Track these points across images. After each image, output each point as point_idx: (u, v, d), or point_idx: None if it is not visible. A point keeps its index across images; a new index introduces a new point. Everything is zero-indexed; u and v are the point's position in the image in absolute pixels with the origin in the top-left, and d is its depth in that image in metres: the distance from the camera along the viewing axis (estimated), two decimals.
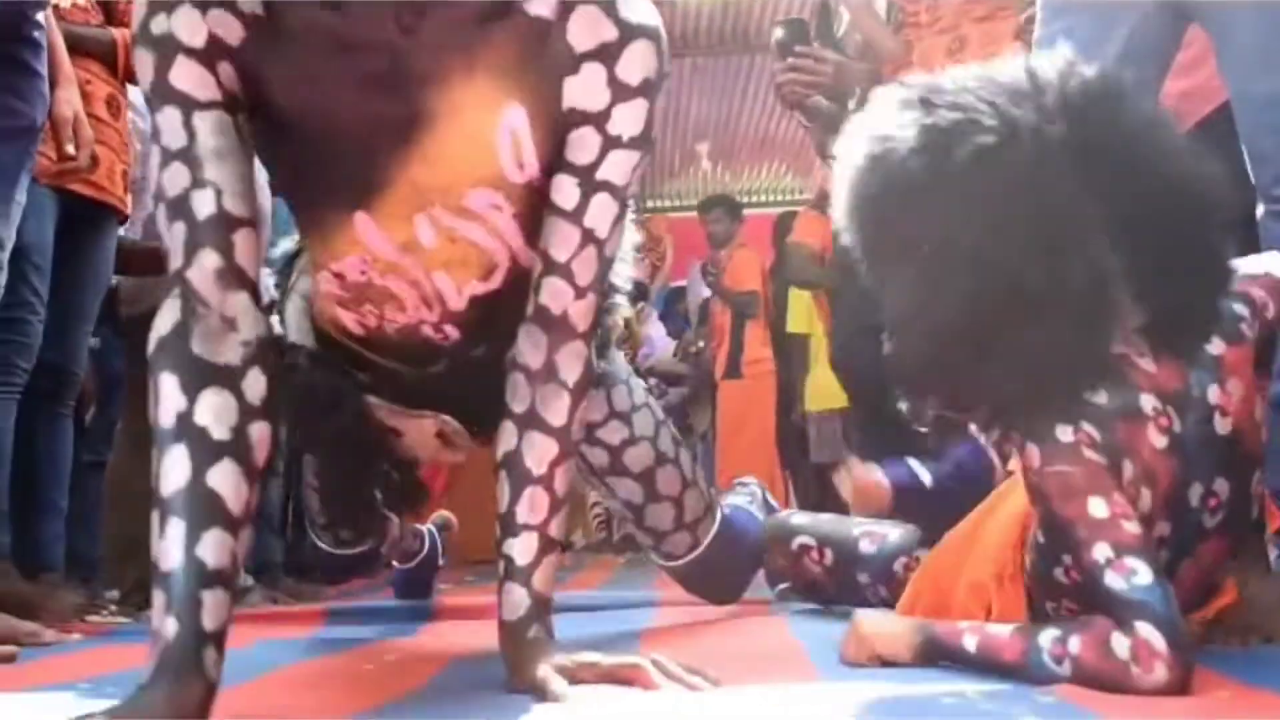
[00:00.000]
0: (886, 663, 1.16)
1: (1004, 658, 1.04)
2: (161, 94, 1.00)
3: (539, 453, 1.13)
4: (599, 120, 1.10)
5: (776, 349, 5.07)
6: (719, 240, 5.36)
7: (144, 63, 1.01)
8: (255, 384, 0.99)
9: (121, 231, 2.51)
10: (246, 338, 1.00)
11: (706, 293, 5.63)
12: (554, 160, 1.13)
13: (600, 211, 1.13)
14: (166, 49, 1.00)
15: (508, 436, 1.14)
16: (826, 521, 1.85)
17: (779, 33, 2.92)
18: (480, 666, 1.25)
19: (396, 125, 1.09)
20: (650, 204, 8.06)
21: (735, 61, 5.68)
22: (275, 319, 1.43)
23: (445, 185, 1.14)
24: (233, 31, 1.01)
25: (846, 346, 3.28)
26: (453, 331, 1.29)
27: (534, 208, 1.16)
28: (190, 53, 1.00)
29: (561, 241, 1.13)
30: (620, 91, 1.09)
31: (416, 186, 1.14)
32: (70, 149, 2.01)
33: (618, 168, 1.12)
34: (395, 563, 2.27)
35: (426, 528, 2.27)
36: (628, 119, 1.11)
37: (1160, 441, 1.09)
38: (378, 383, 1.38)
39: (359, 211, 1.16)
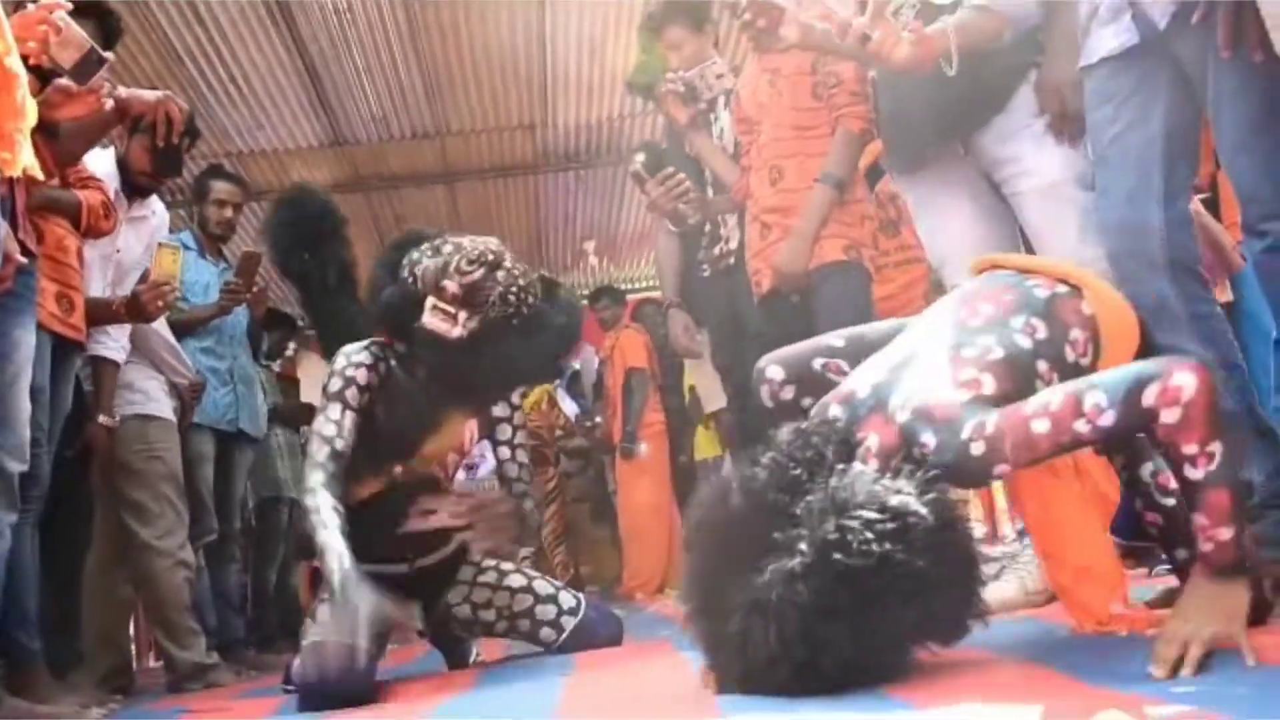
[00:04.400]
0: None
1: None
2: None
3: None
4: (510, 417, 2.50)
5: (667, 410, 5.68)
6: (608, 324, 6.01)
7: None
8: None
9: None
10: None
11: (595, 363, 6.28)
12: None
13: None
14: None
15: None
16: None
17: (641, 157, 3.42)
18: None
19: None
20: None
21: (611, 171, 6.67)
22: None
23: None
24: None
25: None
26: None
27: None
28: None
29: None
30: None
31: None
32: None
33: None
34: None
35: None
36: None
37: None
38: None
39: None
